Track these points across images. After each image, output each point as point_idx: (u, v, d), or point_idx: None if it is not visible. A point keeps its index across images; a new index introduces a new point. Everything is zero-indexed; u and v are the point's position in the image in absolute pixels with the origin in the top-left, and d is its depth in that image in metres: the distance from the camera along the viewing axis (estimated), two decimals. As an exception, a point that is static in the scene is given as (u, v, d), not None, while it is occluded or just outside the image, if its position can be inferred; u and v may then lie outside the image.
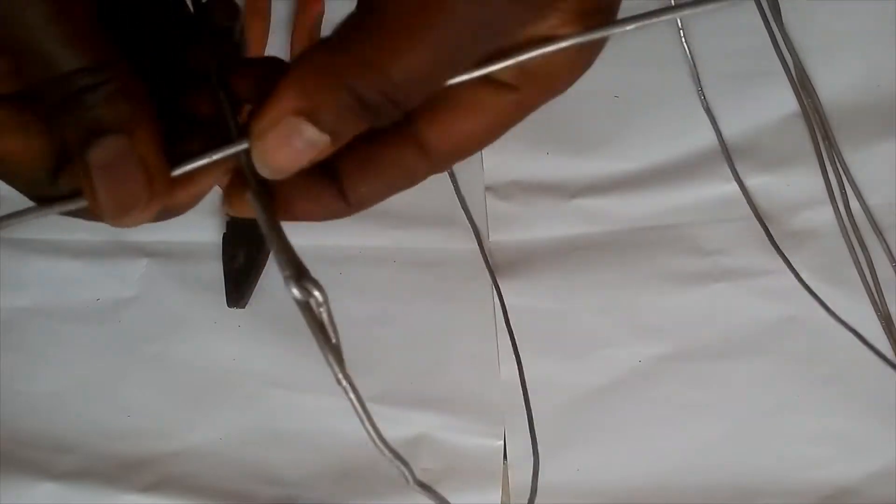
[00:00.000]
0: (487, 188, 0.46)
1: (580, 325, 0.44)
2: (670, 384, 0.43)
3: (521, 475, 0.42)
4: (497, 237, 0.46)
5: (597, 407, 0.43)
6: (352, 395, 0.18)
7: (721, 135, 0.46)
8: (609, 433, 0.43)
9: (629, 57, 0.45)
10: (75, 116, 0.17)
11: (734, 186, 0.45)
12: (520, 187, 0.46)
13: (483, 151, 0.46)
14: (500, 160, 0.47)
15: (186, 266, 0.46)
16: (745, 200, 0.45)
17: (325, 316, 0.18)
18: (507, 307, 0.44)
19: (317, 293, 0.18)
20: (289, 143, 0.18)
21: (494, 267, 0.45)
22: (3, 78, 0.18)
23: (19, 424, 0.45)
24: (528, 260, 0.45)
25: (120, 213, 0.18)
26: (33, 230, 0.47)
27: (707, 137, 0.46)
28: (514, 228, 0.46)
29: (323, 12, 0.48)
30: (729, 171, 0.46)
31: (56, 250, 0.47)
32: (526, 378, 0.43)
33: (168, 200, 0.19)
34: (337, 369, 0.18)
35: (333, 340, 0.18)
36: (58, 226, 0.47)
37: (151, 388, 0.45)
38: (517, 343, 0.43)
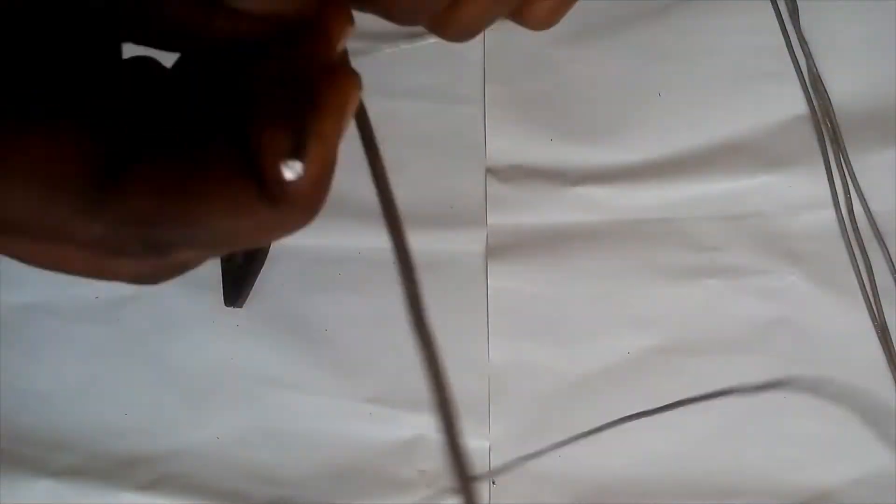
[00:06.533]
0: (488, 170, 0.46)
1: (571, 312, 0.44)
2: (658, 377, 0.43)
3: (501, 458, 0.43)
4: (494, 219, 0.46)
5: (583, 395, 0.43)
6: None
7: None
8: (594, 422, 0.43)
9: (636, 49, 0.45)
10: None
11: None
12: (521, 171, 0.46)
13: (487, 135, 0.46)
14: (504, 144, 0.46)
15: (186, 265, 0.46)
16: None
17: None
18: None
19: None
20: None
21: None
22: None
23: (17, 422, 0.45)
24: (523, 244, 0.45)
25: None
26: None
27: (712, 133, 0.46)
28: (511, 212, 0.45)
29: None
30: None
31: (55, 248, 0.46)
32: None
33: None
34: None
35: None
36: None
37: (149, 387, 0.45)
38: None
